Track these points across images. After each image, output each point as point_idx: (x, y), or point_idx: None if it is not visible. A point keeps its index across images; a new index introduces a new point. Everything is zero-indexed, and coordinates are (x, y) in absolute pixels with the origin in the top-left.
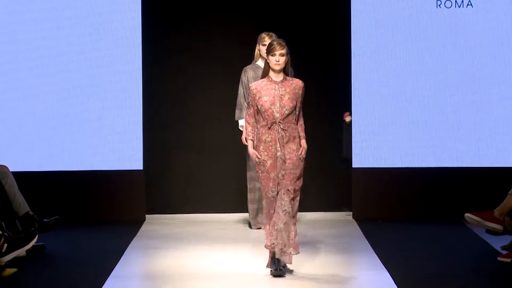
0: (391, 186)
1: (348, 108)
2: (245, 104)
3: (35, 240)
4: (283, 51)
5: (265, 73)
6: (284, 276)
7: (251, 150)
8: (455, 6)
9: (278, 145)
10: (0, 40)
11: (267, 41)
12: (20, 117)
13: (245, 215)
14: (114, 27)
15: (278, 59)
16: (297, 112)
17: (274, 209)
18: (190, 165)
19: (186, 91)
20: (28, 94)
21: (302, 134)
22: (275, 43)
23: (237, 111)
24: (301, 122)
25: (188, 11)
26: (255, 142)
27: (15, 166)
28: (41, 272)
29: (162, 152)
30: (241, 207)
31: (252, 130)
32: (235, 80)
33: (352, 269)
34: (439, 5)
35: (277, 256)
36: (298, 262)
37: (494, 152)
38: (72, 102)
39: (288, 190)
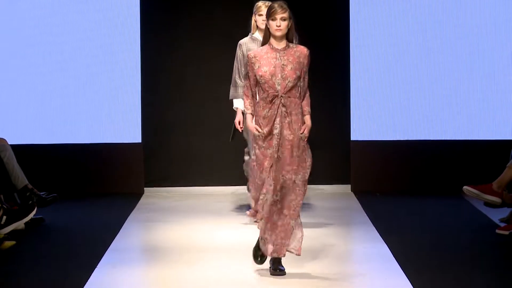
0: (389, 159)
1: (346, 82)
2: (240, 81)
3: (33, 213)
4: (285, 15)
5: (265, 40)
6: (285, 274)
7: (250, 124)
8: None
9: (277, 121)
10: (8, 23)
11: (263, 10)
12: (19, 90)
13: (242, 188)
14: (112, 2)
15: (280, 24)
16: (301, 84)
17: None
18: (188, 139)
19: (185, 66)
20: (27, 68)
21: (307, 109)
22: (275, 5)
23: (231, 89)
24: (307, 95)
25: None
26: (254, 116)
27: (13, 139)
28: (40, 245)
29: (160, 125)
30: (238, 180)
31: (251, 103)
32: (233, 54)
33: (351, 242)
34: None
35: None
36: None
37: (492, 125)
38: (71, 76)
39: (291, 180)
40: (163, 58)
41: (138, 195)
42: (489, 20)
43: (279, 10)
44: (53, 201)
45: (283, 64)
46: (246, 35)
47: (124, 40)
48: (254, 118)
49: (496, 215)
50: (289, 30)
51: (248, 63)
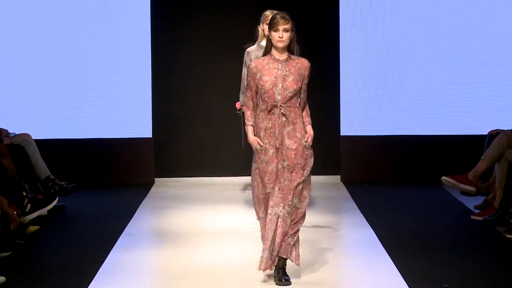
0: (375, 152)
1: (336, 83)
2: None
3: (55, 201)
4: (288, 26)
5: (267, 51)
6: (290, 284)
7: (251, 136)
8: None
9: (277, 132)
10: (25, 22)
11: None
12: (41, 90)
13: (246, 178)
14: (125, 5)
15: (282, 35)
16: (302, 95)
17: (269, 210)
18: (195, 133)
19: (192, 66)
20: (48, 69)
21: (308, 119)
22: (278, 16)
23: (241, 96)
24: (307, 107)
25: None
26: (255, 128)
27: (37, 134)
28: (61, 230)
29: (169, 122)
30: (243, 171)
31: (252, 114)
32: (239, 53)
33: (340, 227)
34: None
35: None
36: None
37: (468, 121)
38: (87, 77)
39: (292, 189)
40: (171, 60)
41: (149, 184)
42: (465, 26)
43: (281, 22)
44: (72, 190)
45: (284, 75)
46: (248, 38)
47: (136, 44)
48: (255, 131)
49: (471, 203)
50: (290, 41)
51: (250, 73)
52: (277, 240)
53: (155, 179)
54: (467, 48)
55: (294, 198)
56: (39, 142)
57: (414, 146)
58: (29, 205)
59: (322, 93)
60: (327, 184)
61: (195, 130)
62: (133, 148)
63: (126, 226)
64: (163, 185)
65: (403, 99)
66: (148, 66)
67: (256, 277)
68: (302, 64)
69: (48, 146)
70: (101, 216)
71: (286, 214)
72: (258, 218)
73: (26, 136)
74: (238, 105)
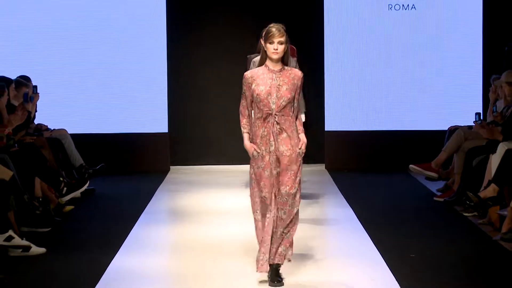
0: (354, 144)
1: (321, 84)
2: None
3: (87, 185)
4: (282, 39)
5: (262, 62)
6: (283, 285)
7: (247, 143)
8: (402, 9)
9: (272, 138)
10: (59, 31)
11: None
12: (75, 93)
13: (246, 166)
14: (142, 13)
15: (277, 47)
16: (295, 104)
17: (266, 214)
18: (204, 128)
19: (201, 71)
20: (80, 76)
21: (301, 127)
22: (273, 29)
23: None
24: (300, 115)
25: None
26: (251, 135)
27: (72, 129)
28: (92, 209)
29: (182, 118)
30: (244, 161)
31: (247, 121)
32: (243, 58)
33: (324, 207)
34: (390, 8)
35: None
36: None
37: (432, 119)
38: (113, 83)
39: (286, 193)
40: (184, 67)
41: (166, 171)
42: (427, 41)
43: (277, 34)
44: (102, 170)
45: (278, 85)
46: (249, 47)
47: (154, 53)
48: (251, 138)
49: (434, 187)
50: (285, 53)
51: (245, 82)
52: (274, 244)
53: (170, 167)
54: (432, 60)
55: (288, 202)
56: (73, 136)
57: (387, 140)
58: (65, 189)
59: (309, 94)
60: (314, 171)
61: (204, 125)
62: (152, 141)
63: (146, 206)
64: (177, 172)
65: (378, 100)
66: (165, 72)
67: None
68: (295, 74)
69: (81, 139)
70: (125, 198)
71: (283, 217)
72: (255, 220)
73: (63, 131)
74: None
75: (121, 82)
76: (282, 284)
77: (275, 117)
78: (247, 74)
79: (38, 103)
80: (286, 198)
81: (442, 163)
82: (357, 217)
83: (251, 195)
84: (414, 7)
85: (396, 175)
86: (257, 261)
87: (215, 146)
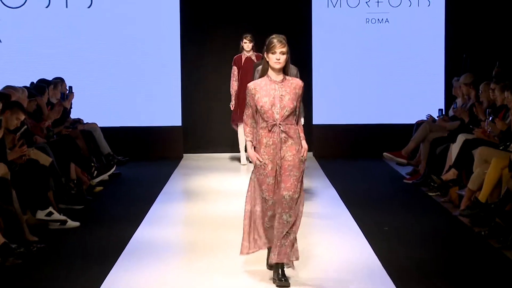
0: (338, 136)
1: (309, 82)
2: None
3: (113, 169)
4: (284, 49)
5: (264, 72)
6: (289, 285)
7: (251, 152)
8: (377, 22)
9: (278, 148)
10: (90, 41)
11: None
12: (103, 92)
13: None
14: (159, 24)
15: (279, 57)
16: (297, 112)
17: (270, 219)
18: (212, 121)
19: (210, 71)
20: (108, 78)
21: (302, 135)
22: (275, 40)
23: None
24: (301, 122)
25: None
26: (254, 143)
27: (101, 123)
28: (118, 190)
29: (194, 113)
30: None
31: (251, 130)
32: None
33: (311, 187)
34: (368, 21)
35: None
36: None
37: (402, 115)
38: (134, 83)
39: (290, 197)
40: (195, 67)
41: (179, 158)
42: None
43: (278, 45)
44: (126, 162)
45: (281, 95)
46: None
47: (168, 58)
48: (254, 146)
49: (404, 171)
50: (286, 63)
51: (249, 93)
52: (278, 243)
53: (183, 154)
54: (400, 63)
55: (292, 206)
56: (102, 129)
57: (364, 132)
58: (95, 172)
59: None
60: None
61: (211, 120)
62: (168, 133)
63: (163, 187)
64: (189, 159)
65: (358, 99)
66: (179, 76)
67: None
68: (297, 84)
69: (109, 131)
70: (145, 181)
71: (288, 220)
72: (245, 218)
73: (94, 124)
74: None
75: (143, 84)
76: (289, 284)
77: (280, 127)
78: (250, 85)
79: (73, 100)
80: (290, 203)
81: (410, 151)
82: (340, 196)
83: (247, 191)
84: (388, 21)
85: (373, 161)
86: (244, 246)
87: (220, 137)
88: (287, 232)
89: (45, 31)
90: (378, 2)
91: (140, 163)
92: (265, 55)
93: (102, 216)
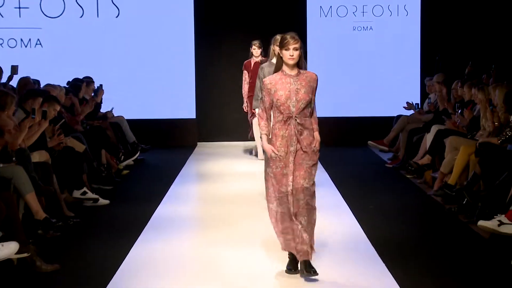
0: (329, 127)
1: None
2: (260, 95)
3: (138, 155)
4: (297, 45)
5: (278, 68)
6: (317, 274)
7: (266, 145)
8: (363, 30)
9: (294, 139)
10: (113, 39)
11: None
12: (129, 90)
13: (252, 142)
14: (174, 24)
15: (292, 54)
16: (312, 105)
17: (288, 209)
18: (222, 114)
19: (222, 68)
20: (134, 77)
21: (315, 126)
22: (288, 37)
23: (254, 102)
24: (315, 114)
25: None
26: (270, 136)
27: (127, 115)
28: (141, 173)
29: (207, 107)
30: (250, 138)
31: (266, 124)
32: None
33: None
34: (354, 29)
35: (300, 259)
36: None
37: (384, 108)
38: (157, 82)
39: (303, 187)
40: (207, 70)
41: (194, 146)
42: (384, 54)
43: (291, 41)
44: (148, 150)
45: (297, 89)
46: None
47: (183, 53)
48: (269, 139)
49: (386, 157)
50: (300, 58)
51: (264, 89)
52: (300, 239)
53: (197, 142)
54: (382, 65)
55: (306, 197)
56: (128, 120)
57: (352, 123)
58: (122, 157)
59: None
60: None
61: (221, 113)
62: (184, 124)
63: (180, 170)
64: (202, 146)
65: (347, 94)
66: (193, 75)
67: (262, 200)
68: (311, 77)
69: (133, 123)
70: (165, 165)
71: (310, 207)
72: (270, 210)
73: (121, 117)
74: (244, 108)
75: (162, 83)
76: (317, 273)
77: (296, 119)
78: (266, 80)
79: (103, 96)
80: (309, 190)
81: (391, 140)
82: (331, 179)
83: (267, 188)
84: (372, 28)
85: (359, 149)
86: (280, 243)
87: (229, 128)
88: (305, 224)
89: (79, 37)
90: (363, 12)
91: (160, 150)
92: (272, 49)
93: (128, 195)
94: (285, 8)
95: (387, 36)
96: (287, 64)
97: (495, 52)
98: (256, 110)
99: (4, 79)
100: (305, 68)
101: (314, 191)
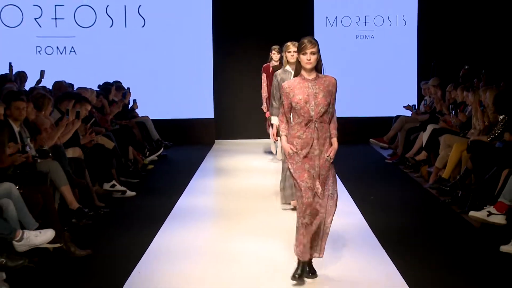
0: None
1: None
2: (274, 103)
3: (161, 151)
4: (314, 49)
5: (297, 72)
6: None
7: (285, 144)
8: (365, 38)
9: (314, 142)
10: (139, 47)
11: (291, 48)
12: (154, 93)
13: (266, 140)
14: (193, 34)
15: (310, 58)
16: (331, 110)
17: (311, 209)
18: (237, 114)
19: (238, 72)
20: (154, 79)
21: (334, 132)
22: (305, 41)
23: (270, 109)
24: (335, 119)
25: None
26: (288, 137)
27: (151, 115)
28: (165, 167)
29: (223, 108)
30: (262, 136)
31: (285, 127)
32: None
33: None
34: (357, 37)
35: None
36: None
37: (385, 109)
38: (178, 85)
39: (322, 194)
40: (224, 73)
41: (212, 143)
42: (384, 61)
43: (309, 46)
44: (170, 146)
45: (315, 93)
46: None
47: (202, 59)
48: (288, 140)
49: (386, 153)
50: (318, 62)
51: (283, 93)
52: (316, 241)
53: (215, 140)
54: (383, 70)
55: (328, 204)
56: (153, 120)
57: (355, 122)
58: (147, 153)
59: None
60: None
61: (237, 113)
62: (203, 124)
63: (199, 165)
64: (220, 144)
65: (351, 97)
66: (211, 79)
67: (275, 193)
68: (330, 81)
69: (157, 122)
70: (186, 160)
71: (324, 219)
72: (300, 224)
73: (146, 117)
74: (268, 114)
75: (183, 86)
76: (316, 276)
77: (315, 123)
78: (285, 85)
79: (130, 98)
80: (322, 202)
81: (391, 138)
82: (336, 173)
83: (297, 199)
84: (373, 37)
85: (360, 146)
86: (300, 252)
87: (244, 127)
88: (323, 228)
89: (109, 44)
90: (365, 22)
91: (181, 147)
92: (285, 56)
93: (152, 188)
94: (295, 18)
95: (387, 44)
96: (304, 68)
97: (485, 58)
98: (272, 118)
99: (31, 84)
100: (324, 71)
101: (336, 200)
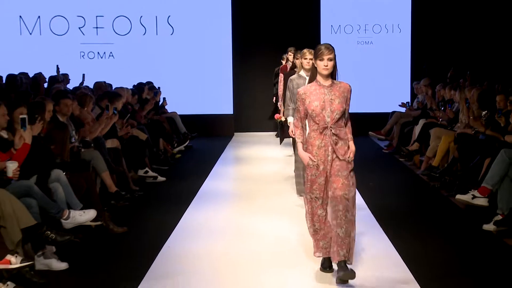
0: None
1: None
2: (291, 105)
3: (187, 142)
4: (331, 56)
5: (312, 78)
6: (354, 276)
7: (302, 152)
8: (365, 44)
9: (330, 149)
10: (168, 52)
11: (307, 55)
12: (181, 91)
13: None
14: (214, 34)
15: (327, 64)
16: (346, 115)
17: (324, 217)
18: (254, 111)
19: (256, 72)
20: (181, 79)
21: (350, 136)
22: (323, 47)
23: (285, 110)
24: (349, 123)
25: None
26: (305, 145)
27: (179, 111)
28: (190, 156)
29: (242, 104)
30: (274, 129)
31: (301, 133)
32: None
33: None
34: (358, 43)
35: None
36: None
37: (382, 105)
38: (202, 84)
39: (342, 198)
40: (242, 73)
41: (231, 136)
42: (383, 65)
43: (326, 52)
44: (195, 137)
45: (331, 99)
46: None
47: (222, 62)
48: (305, 147)
49: (383, 144)
50: (334, 68)
51: (299, 99)
52: (336, 245)
53: (234, 133)
54: (381, 72)
55: (346, 207)
56: (180, 115)
57: (355, 117)
58: (176, 144)
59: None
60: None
61: (253, 110)
62: (223, 118)
63: (221, 155)
64: (238, 136)
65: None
66: (230, 79)
67: (289, 179)
68: (345, 87)
69: (184, 117)
70: (209, 150)
71: (348, 219)
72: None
73: (174, 113)
74: (277, 116)
75: (207, 86)
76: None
77: (331, 130)
78: (300, 90)
79: (161, 96)
80: (348, 202)
81: (387, 130)
82: None
83: (306, 198)
84: (372, 43)
85: (361, 138)
86: (317, 246)
87: (259, 121)
88: (344, 232)
89: (143, 50)
90: (365, 30)
91: (204, 139)
92: (297, 61)
93: (180, 173)
94: (304, 26)
95: (384, 49)
96: (321, 74)
97: (470, 61)
98: (289, 119)
99: (74, 85)
100: (338, 77)
101: (354, 201)
